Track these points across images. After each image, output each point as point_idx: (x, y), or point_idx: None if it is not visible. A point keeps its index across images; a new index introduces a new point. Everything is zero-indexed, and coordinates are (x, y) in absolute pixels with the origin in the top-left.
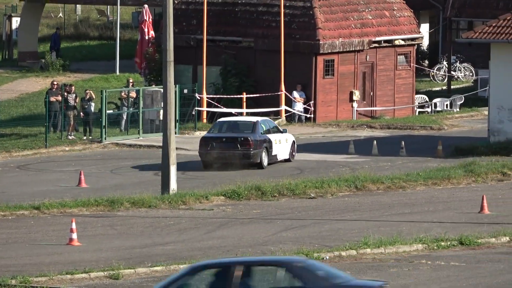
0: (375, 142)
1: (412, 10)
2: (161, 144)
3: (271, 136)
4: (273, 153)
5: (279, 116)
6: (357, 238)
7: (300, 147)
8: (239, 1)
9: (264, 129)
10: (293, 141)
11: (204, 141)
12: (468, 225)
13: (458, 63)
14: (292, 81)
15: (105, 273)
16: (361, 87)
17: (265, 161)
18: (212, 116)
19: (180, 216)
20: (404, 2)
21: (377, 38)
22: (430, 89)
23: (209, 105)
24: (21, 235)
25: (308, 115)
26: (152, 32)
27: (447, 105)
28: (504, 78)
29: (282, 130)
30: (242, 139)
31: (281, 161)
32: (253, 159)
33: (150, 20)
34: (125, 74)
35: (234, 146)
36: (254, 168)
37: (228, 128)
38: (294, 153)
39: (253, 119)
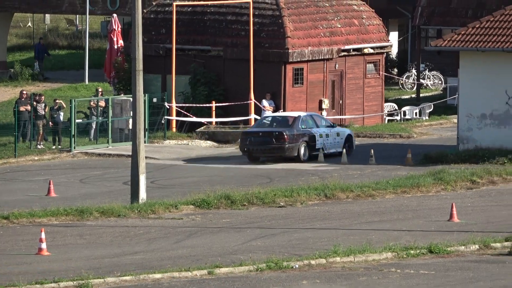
0: (344, 150)
1: (381, 19)
2: (130, 153)
3: (315, 130)
4: (317, 147)
5: (248, 125)
6: (326, 247)
7: None
8: (208, 10)
9: (309, 124)
10: (349, 134)
11: (244, 135)
12: (437, 233)
13: (427, 71)
14: (262, 89)
15: (75, 282)
16: (330, 96)
17: (304, 155)
18: (181, 125)
19: (149, 226)
20: (373, 10)
21: (346, 47)
22: (399, 97)
23: (178, 114)
24: None
25: None
26: (121, 41)
27: (416, 113)
28: (473, 86)
29: (332, 124)
30: (277, 133)
31: (333, 154)
32: (288, 153)
33: (119, 29)
34: (94, 83)
35: (269, 141)
36: (293, 161)
37: (269, 123)
38: (351, 147)
39: (295, 114)
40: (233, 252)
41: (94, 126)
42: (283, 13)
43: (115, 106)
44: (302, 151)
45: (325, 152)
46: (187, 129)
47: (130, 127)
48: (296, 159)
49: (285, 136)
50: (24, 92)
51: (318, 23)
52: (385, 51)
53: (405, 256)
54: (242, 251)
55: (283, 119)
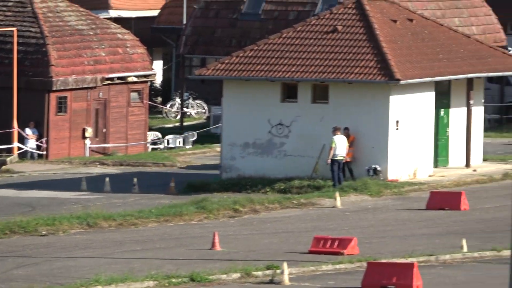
0: (107, 179)
1: (145, 47)
2: None
3: None
4: None
5: (11, 154)
6: (88, 275)
7: (32, 184)
8: None
9: None
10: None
11: None
12: (199, 262)
13: (191, 100)
14: (25, 118)
15: None
16: (94, 124)
17: None
18: None
19: None
20: (138, 39)
21: (110, 75)
22: (163, 126)
23: None
24: None
25: (41, 152)
26: None
27: (180, 141)
28: (236, 115)
29: None
30: None
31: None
32: None
33: None
34: None
35: None
36: None
37: None
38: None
39: None
40: None
41: None
42: (47, 42)
43: None
44: None
45: None
46: None
47: None
48: None
49: None
50: None
51: (82, 52)
52: (149, 79)
53: (167, 284)
54: (3, 280)
55: None
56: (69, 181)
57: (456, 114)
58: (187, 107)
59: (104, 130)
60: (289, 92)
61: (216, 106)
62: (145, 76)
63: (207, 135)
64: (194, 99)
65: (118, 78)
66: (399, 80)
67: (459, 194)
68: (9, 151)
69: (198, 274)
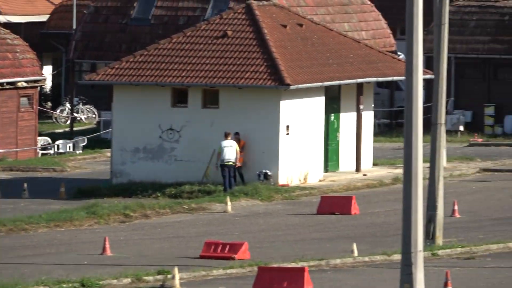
0: None
1: (35, 52)
2: None
3: None
4: None
5: None
6: None
7: None
8: None
9: None
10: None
11: None
12: (90, 267)
13: (81, 104)
14: None
15: None
16: None
17: None
18: None
19: None
20: (27, 44)
21: (0, 81)
22: (53, 131)
23: None
24: None
25: None
26: None
27: (70, 147)
28: (127, 120)
29: None
30: None
31: None
32: None
33: None
34: None
35: None
36: None
37: None
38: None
39: None
40: None
41: None
42: None
43: None
44: None
45: None
46: None
47: None
48: None
49: None
50: None
51: None
52: (39, 84)
53: None
54: None
55: None
56: None
57: (346, 119)
58: (77, 112)
59: None
60: (180, 97)
61: (106, 111)
62: (35, 81)
63: (97, 140)
64: (84, 104)
65: (8, 83)
66: (289, 85)
67: (350, 199)
68: None
69: (89, 280)
